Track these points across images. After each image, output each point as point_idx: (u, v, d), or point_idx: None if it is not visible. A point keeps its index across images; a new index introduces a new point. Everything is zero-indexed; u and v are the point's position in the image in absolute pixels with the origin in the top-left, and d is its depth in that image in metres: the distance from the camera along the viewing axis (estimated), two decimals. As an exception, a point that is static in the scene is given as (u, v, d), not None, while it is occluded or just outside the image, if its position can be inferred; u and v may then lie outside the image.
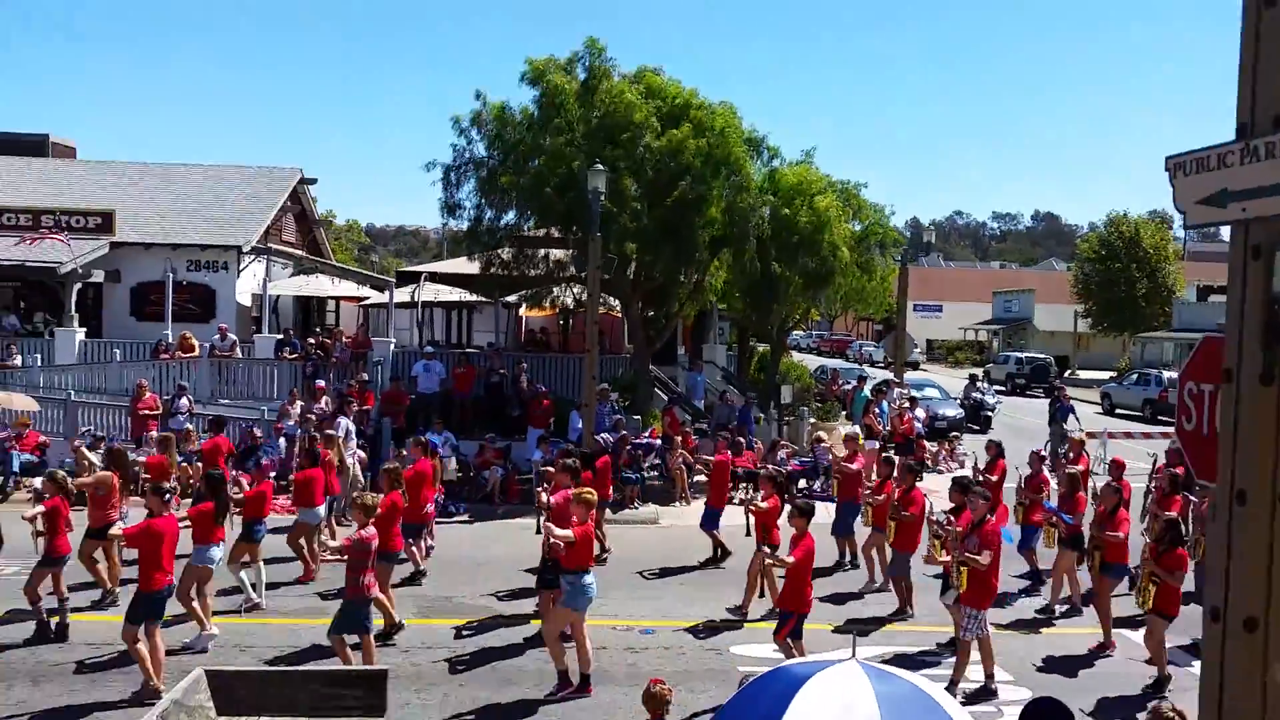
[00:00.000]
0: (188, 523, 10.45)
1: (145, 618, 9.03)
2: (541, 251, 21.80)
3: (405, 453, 14.32)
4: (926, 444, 22.96)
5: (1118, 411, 36.62)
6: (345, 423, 17.03)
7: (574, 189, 18.61)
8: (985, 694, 9.53)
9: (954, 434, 24.81)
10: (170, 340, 22.66)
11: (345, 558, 9.39)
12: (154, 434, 16.91)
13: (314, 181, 33.37)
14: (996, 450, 15.00)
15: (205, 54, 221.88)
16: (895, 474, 12.91)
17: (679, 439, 18.65)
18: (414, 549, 13.16)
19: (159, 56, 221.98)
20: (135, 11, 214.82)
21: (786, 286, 23.52)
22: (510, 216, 20.71)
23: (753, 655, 10.15)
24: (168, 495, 9.67)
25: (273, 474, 15.36)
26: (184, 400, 19.32)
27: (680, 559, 14.44)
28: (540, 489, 12.18)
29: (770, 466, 18.12)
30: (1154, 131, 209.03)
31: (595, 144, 18.91)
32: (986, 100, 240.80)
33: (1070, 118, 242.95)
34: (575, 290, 22.89)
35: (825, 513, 14.39)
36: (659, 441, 19.55)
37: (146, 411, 19.02)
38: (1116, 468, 13.53)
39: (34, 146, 31.55)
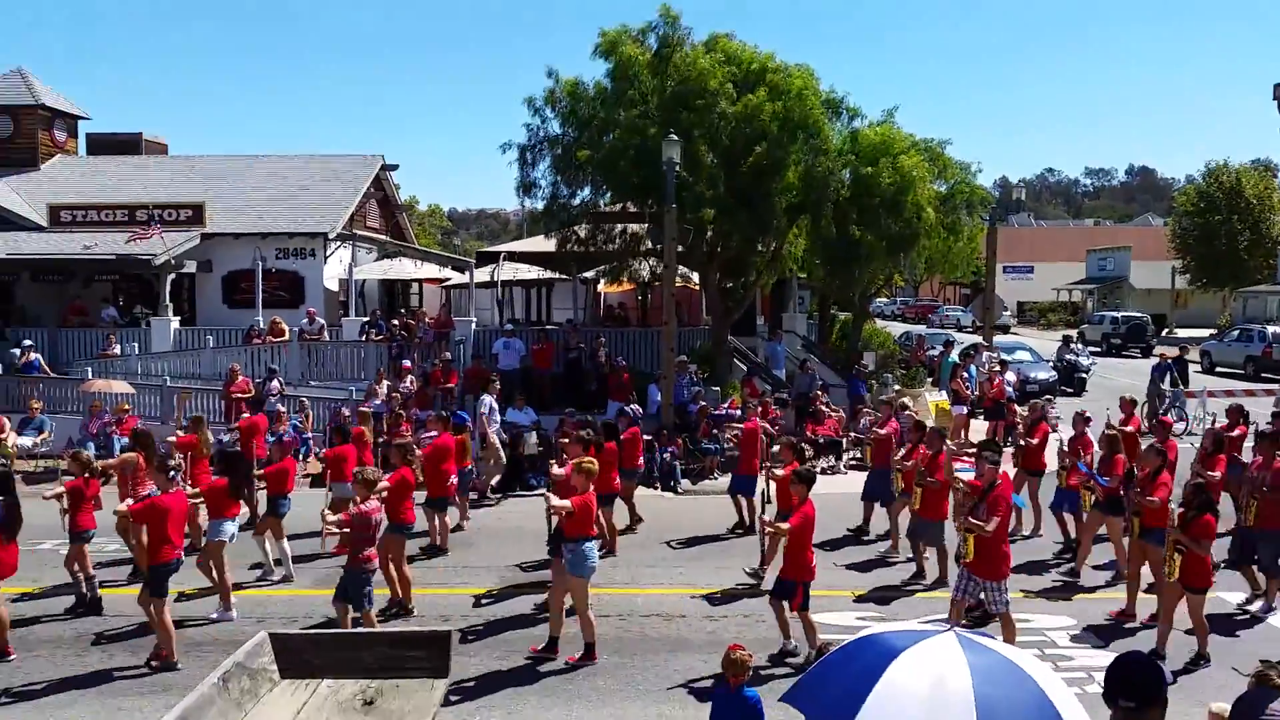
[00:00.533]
0: (200, 498, 10.73)
1: (162, 589, 9.29)
2: (618, 226, 21.77)
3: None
4: (1017, 408, 22.38)
5: (1218, 370, 35.14)
6: (489, 400, 17.35)
7: (648, 163, 18.48)
8: None
9: (1046, 397, 24.04)
10: (261, 326, 23.33)
11: (347, 530, 9.34)
12: (244, 414, 17.40)
13: (395, 168, 33.77)
14: (1039, 414, 14.55)
15: (288, 46, 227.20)
16: (924, 439, 12.40)
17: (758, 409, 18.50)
18: (443, 521, 13.18)
19: (240, 49, 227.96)
20: (214, 6, 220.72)
21: (868, 251, 22.86)
22: (585, 192, 20.74)
23: (832, 623, 10.00)
24: (173, 473, 9.85)
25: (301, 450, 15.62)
26: (275, 383, 19.88)
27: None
28: (553, 460, 12.14)
29: (856, 431, 17.89)
30: (1257, 75, 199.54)
31: (669, 114, 18.75)
32: (1077, 49, 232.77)
33: (1167, 64, 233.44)
34: (652, 263, 22.80)
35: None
36: (738, 412, 19.41)
37: (239, 394, 19.60)
38: (1163, 429, 12.88)
39: (128, 145, 32.60)
